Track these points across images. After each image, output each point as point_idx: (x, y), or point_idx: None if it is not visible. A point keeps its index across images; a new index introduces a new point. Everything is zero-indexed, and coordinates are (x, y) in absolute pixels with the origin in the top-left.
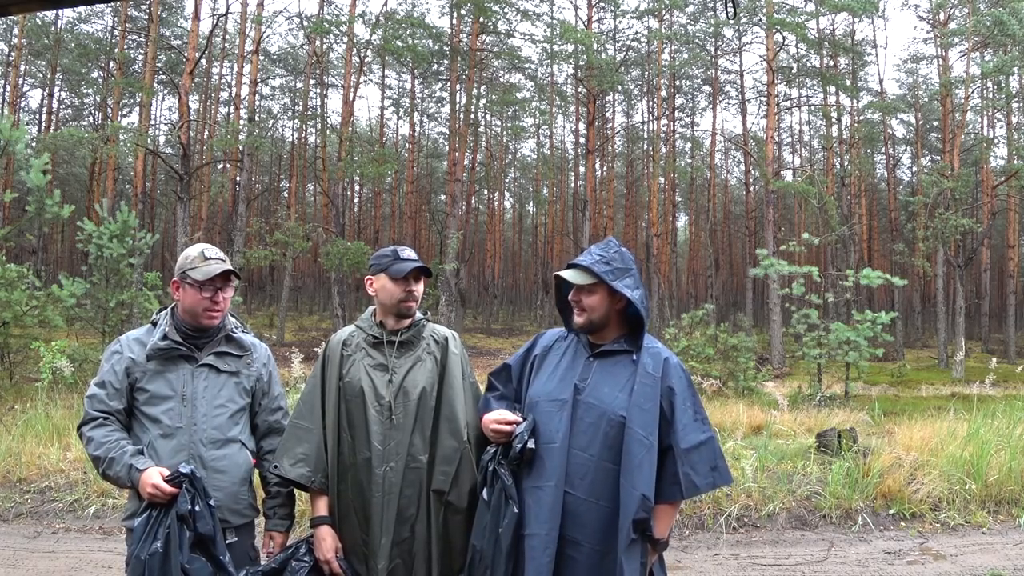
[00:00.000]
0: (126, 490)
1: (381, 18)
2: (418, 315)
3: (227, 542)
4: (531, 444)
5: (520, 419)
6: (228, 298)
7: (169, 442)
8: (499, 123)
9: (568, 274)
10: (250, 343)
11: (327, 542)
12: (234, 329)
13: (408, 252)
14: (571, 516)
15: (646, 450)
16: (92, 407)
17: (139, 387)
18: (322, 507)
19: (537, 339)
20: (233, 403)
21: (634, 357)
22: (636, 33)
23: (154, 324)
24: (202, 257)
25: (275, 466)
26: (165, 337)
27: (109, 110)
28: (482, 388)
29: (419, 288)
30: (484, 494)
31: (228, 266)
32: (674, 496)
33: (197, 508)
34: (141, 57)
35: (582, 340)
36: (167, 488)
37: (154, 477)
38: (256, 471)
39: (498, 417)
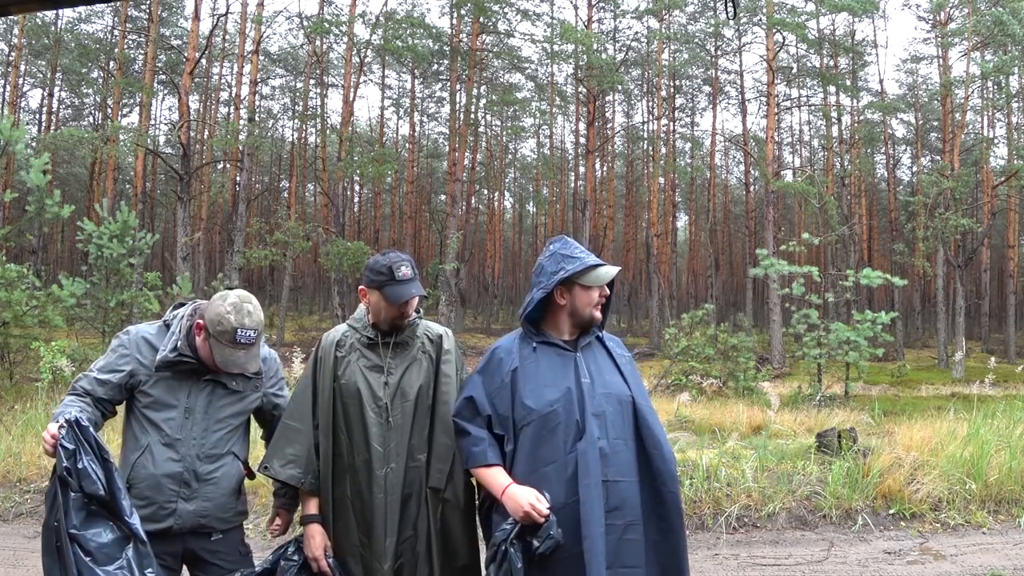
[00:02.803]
0: None
1: (381, 18)
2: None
3: (212, 539)
4: (559, 538)
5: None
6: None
7: (167, 451)
8: (499, 123)
9: (611, 271)
10: (261, 362)
11: (316, 540)
12: None
13: (404, 270)
14: (619, 501)
15: (656, 421)
16: (79, 384)
17: (143, 391)
18: (312, 506)
19: (494, 355)
20: (235, 419)
21: (601, 338)
22: (636, 33)
23: (166, 325)
24: (232, 338)
25: (265, 467)
26: (176, 350)
27: (109, 110)
28: None
29: (413, 305)
30: (491, 571)
31: (251, 365)
32: None
33: (80, 465)
34: (141, 57)
35: (546, 340)
36: (49, 438)
37: (51, 427)
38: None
39: (536, 503)
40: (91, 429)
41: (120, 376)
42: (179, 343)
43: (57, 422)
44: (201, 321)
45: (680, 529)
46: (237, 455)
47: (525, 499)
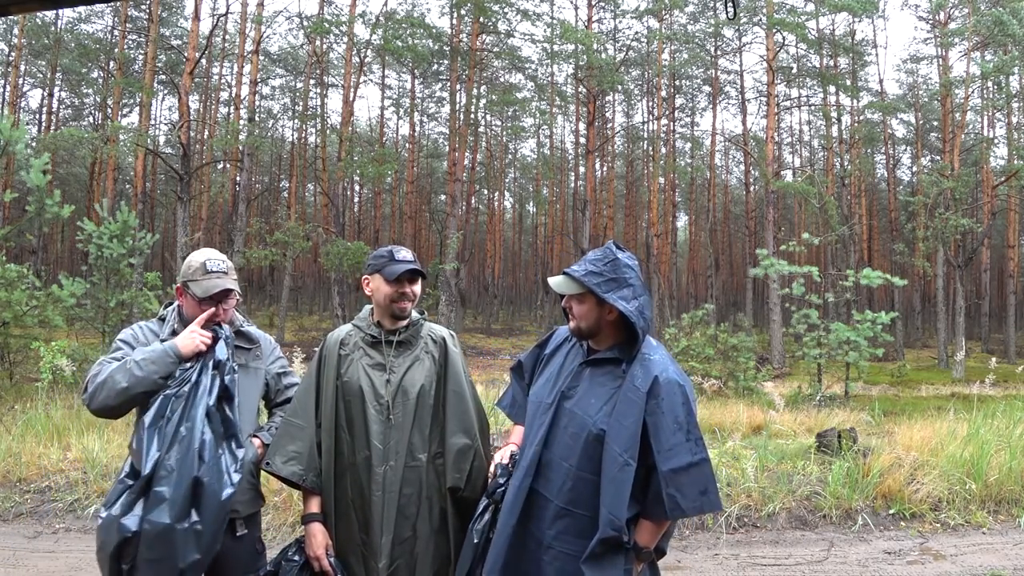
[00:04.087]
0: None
1: (381, 18)
2: (415, 314)
3: (237, 534)
4: (502, 487)
5: (507, 460)
6: (230, 308)
7: None
8: (499, 123)
9: (555, 282)
10: (257, 335)
11: (317, 539)
12: (243, 323)
13: (404, 253)
14: (542, 518)
15: (619, 468)
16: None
17: None
18: (314, 505)
19: (552, 335)
20: (250, 396)
21: (623, 367)
22: (636, 33)
23: (162, 320)
24: (204, 270)
25: (267, 463)
26: (174, 332)
27: (109, 110)
28: (481, 386)
29: (414, 289)
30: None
31: (229, 283)
32: (659, 516)
33: (229, 362)
34: (141, 57)
35: (582, 344)
36: (205, 333)
37: (192, 327)
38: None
39: (495, 458)
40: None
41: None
42: (176, 326)
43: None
44: (178, 286)
45: (601, 566)
46: (255, 434)
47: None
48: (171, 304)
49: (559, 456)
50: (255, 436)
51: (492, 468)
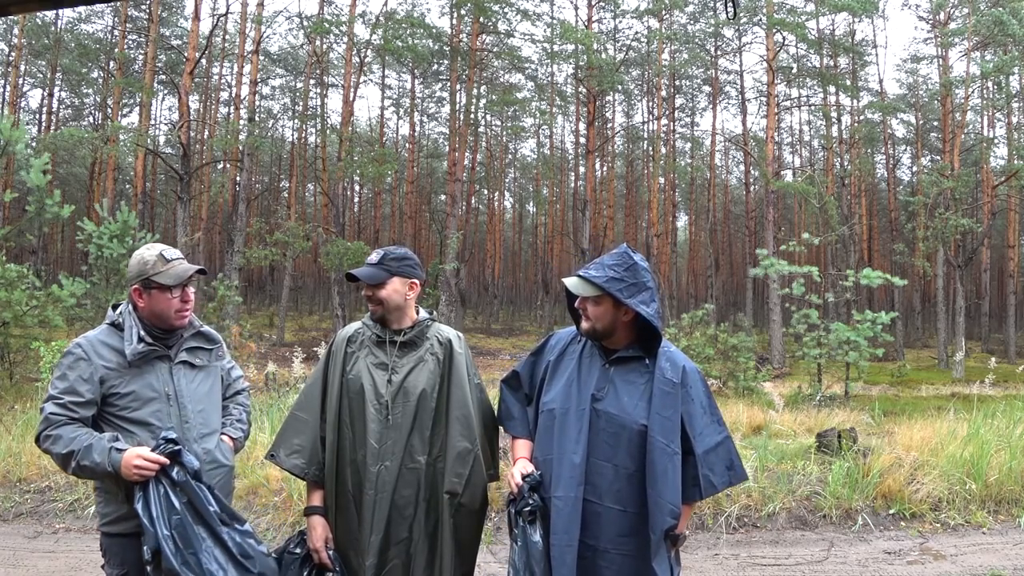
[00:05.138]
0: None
1: (381, 18)
2: (423, 315)
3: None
4: (533, 503)
5: (527, 474)
6: (191, 300)
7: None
8: (499, 123)
9: (572, 284)
10: (215, 336)
11: (317, 531)
12: (200, 326)
13: (371, 256)
14: (596, 525)
15: (669, 458)
16: (57, 415)
17: (116, 392)
18: (316, 498)
19: (548, 342)
20: (211, 396)
21: (647, 363)
22: (636, 33)
23: (115, 326)
24: (163, 260)
25: (271, 455)
26: (142, 340)
27: (109, 110)
28: (486, 390)
29: (378, 294)
30: (514, 534)
31: (196, 265)
32: (694, 497)
33: (186, 478)
34: (141, 57)
35: (596, 345)
36: (157, 457)
37: (140, 451)
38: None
39: (514, 474)
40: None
41: (92, 387)
42: (140, 332)
43: (122, 451)
44: (134, 286)
45: (659, 560)
46: (224, 431)
47: (511, 471)
48: (116, 307)
49: (603, 458)
50: (223, 433)
51: (515, 484)
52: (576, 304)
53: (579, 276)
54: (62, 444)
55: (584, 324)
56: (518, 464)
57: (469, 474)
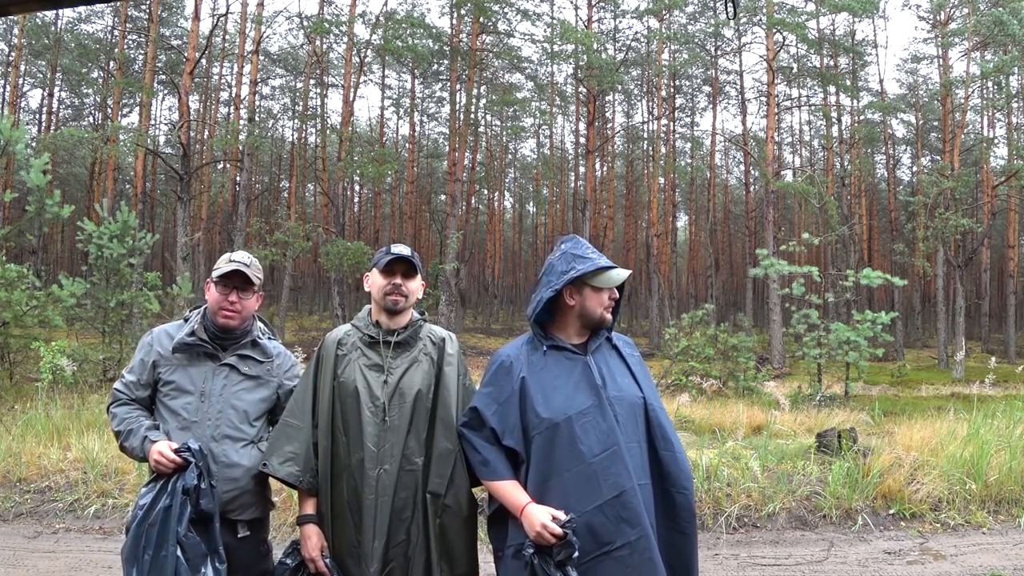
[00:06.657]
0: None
1: (381, 18)
2: (415, 315)
3: (239, 536)
4: (576, 547)
5: (563, 520)
6: (246, 302)
7: (183, 435)
8: (499, 123)
9: (622, 274)
10: (275, 351)
11: (312, 540)
12: (260, 335)
13: (399, 248)
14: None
15: (670, 425)
16: (120, 391)
17: (163, 379)
18: (309, 506)
19: (501, 364)
20: (250, 404)
21: (610, 341)
22: (636, 33)
23: (185, 320)
24: (227, 260)
25: (264, 464)
26: (192, 333)
27: (109, 110)
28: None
29: (408, 285)
30: None
31: (242, 268)
32: None
33: (202, 485)
34: (141, 57)
35: (559, 342)
36: (172, 456)
37: (162, 447)
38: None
39: (549, 524)
40: (206, 459)
41: (145, 370)
42: (195, 327)
43: (154, 442)
44: (208, 280)
45: (692, 532)
46: (258, 445)
47: (537, 520)
48: (198, 307)
49: (633, 440)
50: (257, 446)
51: (553, 532)
52: (612, 297)
53: (615, 266)
54: (116, 422)
55: (610, 314)
56: (535, 510)
57: (452, 475)
